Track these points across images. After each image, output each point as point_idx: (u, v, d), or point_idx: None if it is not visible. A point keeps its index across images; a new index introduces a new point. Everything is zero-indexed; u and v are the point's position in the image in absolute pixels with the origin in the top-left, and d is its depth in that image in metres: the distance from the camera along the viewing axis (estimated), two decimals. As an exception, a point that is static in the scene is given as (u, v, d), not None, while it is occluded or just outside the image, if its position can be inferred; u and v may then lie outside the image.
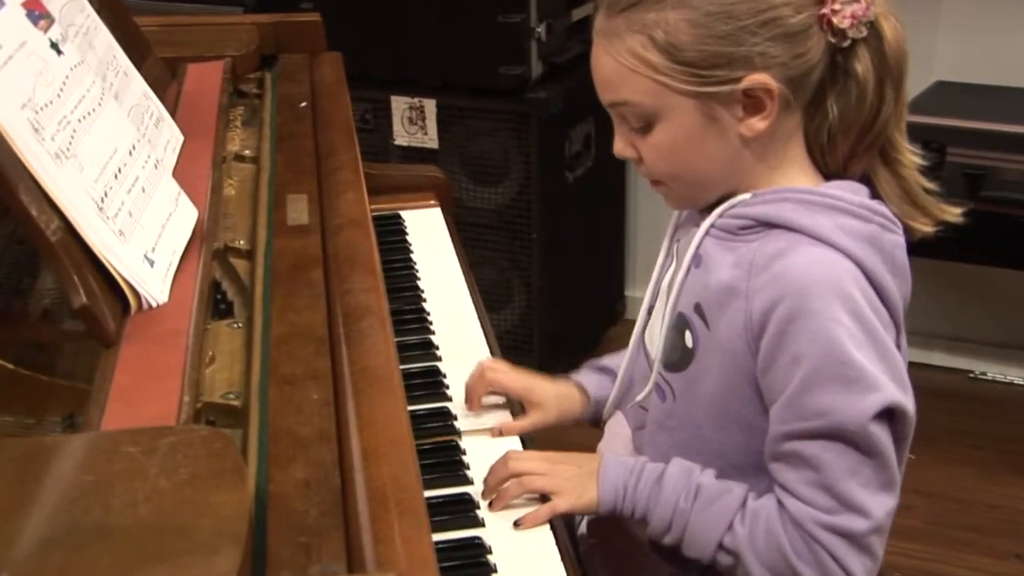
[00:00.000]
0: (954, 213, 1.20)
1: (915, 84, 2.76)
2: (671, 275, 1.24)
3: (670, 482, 1.17)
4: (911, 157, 1.20)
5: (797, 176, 1.19)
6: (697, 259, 1.21)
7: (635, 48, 1.14)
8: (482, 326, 1.59)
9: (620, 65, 1.15)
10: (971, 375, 3.10)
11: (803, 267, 1.11)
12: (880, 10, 1.14)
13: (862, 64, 1.15)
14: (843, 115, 1.17)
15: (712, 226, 1.19)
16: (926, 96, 2.78)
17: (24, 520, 0.78)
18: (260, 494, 0.89)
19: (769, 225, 1.15)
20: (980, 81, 2.86)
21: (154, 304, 1.08)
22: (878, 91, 1.16)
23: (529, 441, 1.35)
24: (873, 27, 1.14)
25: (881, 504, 1.12)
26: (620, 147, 1.21)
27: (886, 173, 1.20)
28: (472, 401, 1.37)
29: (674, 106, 1.15)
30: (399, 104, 2.88)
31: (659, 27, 1.13)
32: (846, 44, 1.14)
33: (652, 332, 1.27)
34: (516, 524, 1.18)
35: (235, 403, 1.04)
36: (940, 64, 2.88)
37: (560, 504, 1.19)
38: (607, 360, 1.41)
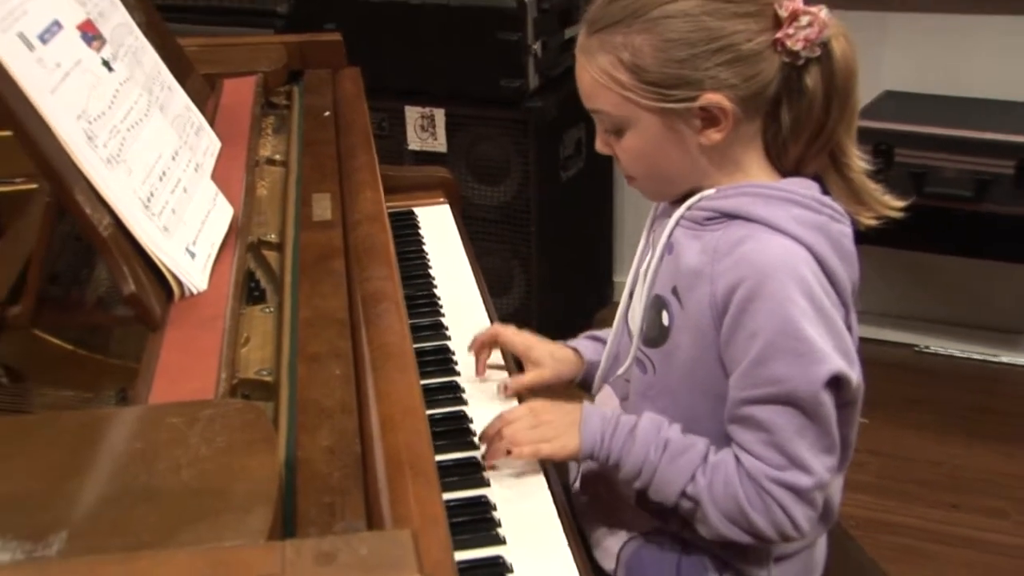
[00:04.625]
0: (895, 207, 1.20)
1: (866, 93, 2.79)
2: (647, 262, 1.24)
3: (641, 435, 1.17)
4: (859, 163, 1.19)
5: (756, 174, 1.18)
6: (669, 247, 1.20)
7: (606, 67, 1.14)
8: (487, 309, 1.58)
9: (594, 80, 1.16)
10: (917, 349, 3.10)
11: (761, 253, 1.11)
12: (833, 31, 1.12)
13: (812, 80, 1.13)
14: (794, 124, 1.16)
15: (681, 217, 1.19)
16: (876, 104, 2.78)
17: (81, 482, 0.78)
18: (289, 459, 0.89)
19: (731, 216, 1.15)
20: (923, 91, 2.86)
21: (195, 291, 1.07)
22: (825, 104, 1.14)
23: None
24: (825, 47, 1.13)
25: (823, 464, 1.12)
26: (599, 145, 1.22)
27: (835, 175, 1.19)
28: (475, 344, 1.39)
29: (640, 117, 1.15)
30: (412, 113, 2.87)
31: (626, 49, 1.12)
32: (800, 63, 1.13)
33: (633, 313, 1.26)
34: (508, 453, 1.19)
35: (267, 379, 1.03)
36: (888, 75, 2.88)
37: (544, 448, 1.19)
38: (599, 332, 1.41)
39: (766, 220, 1.12)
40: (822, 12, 1.12)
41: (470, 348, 1.41)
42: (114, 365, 1.11)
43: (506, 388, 1.35)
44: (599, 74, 1.15)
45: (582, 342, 1.41)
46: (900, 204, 1.19)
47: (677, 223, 1.19)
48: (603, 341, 1.38)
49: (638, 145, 1.17)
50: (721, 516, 1.14)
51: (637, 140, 1.16)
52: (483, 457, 1.22)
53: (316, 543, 0.67)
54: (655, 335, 1.21)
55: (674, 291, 1.18)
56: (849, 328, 1.15)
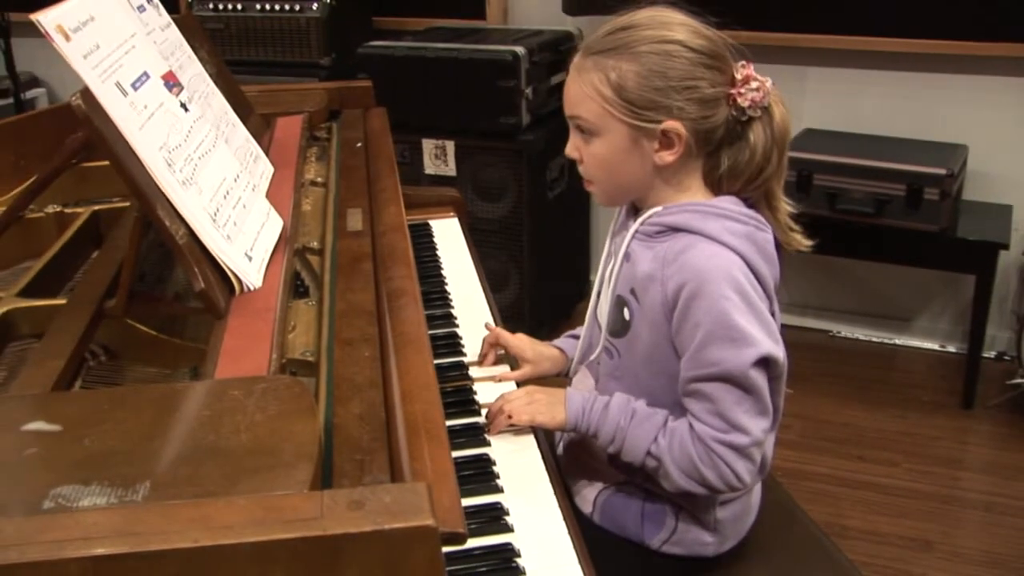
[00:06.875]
0: (806, 245, 1.19)
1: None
2: (610, 268, 1.23)
3: (614, 409, 1.17)
4: (785, 207, 1.18)
5: (696, 195, 1.17)
6: (627, 256, 1.19)
7: (595, 82, 1.12)
8: (488, 302, 1.57)
9: (582, 90, 1.14)
10: (831, 334, 3.10)
11: (701, 259, 1.10)
12: (773, 98, 1.13)
13: (755, 135, 1.13)
14: (732, 167, 1.14)
15: (636, 231, 1.18)
16: (798, 138, 2.78)
17: (161, 443, 0.77)
18: (327, 425, 0.88)
19: (676, 229, 1.14)
20: (836, 129, 2.87)
21: (252, 288, 1.06)
22: (765, 155, 1.13)
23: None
24: (766, 110, 1.12)
25: (758, 425, 1.11)
26: (569, 149, 1.19)
27: (767, 212, 1.17)
28: (483, 348, 1.37)
29: (611, 128, 1.13)
30: (428, 144, 2.86)
31: (614, 71, 1.11)
32: (744, 119, 1.12)
33: (601, 310, 1.25)
34: (508, 420, 1.18)
35: (310, 359, 1.02)
36: (808, 116, 2.89)
37: (537, 418, 1.19)
38: (576, 331, 1.40)
39: (704, 232, 1.11)
40: (767, 82, 1.12)
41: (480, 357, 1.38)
42: (188, 347, 1.10)
43: (500, 379, 1.33)
44: (587, 87, 1.13)
45: (565, 341, 1.39)
46: (809, 243, 1.19)
47: (633, 236, 1.18)
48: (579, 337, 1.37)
49: (604, 152, 1.15)
50: (679, 472, 1.13)
51: (604, 147, 1.14)
52: (487, 428, 1.21)
53: (348, 493, 0.66)
54: (619, 328, 1.20)
55: (632, 292, 1.17)
56: (773, 314, 1.14)
